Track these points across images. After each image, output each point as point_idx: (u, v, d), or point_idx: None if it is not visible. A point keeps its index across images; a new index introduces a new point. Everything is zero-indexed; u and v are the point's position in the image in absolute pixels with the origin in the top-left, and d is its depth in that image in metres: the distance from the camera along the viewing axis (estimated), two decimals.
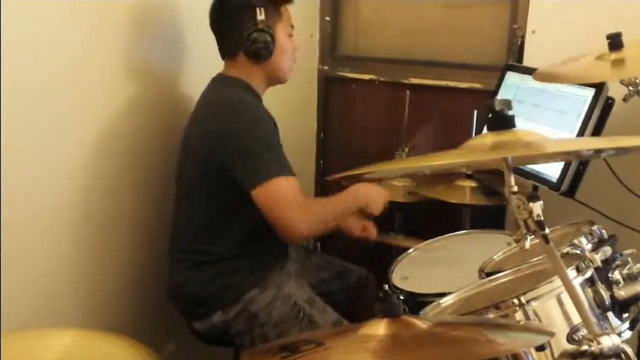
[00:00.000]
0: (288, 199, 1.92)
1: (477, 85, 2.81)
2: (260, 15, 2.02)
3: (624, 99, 1.91)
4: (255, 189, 1.91)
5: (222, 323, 2.04)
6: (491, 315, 1.33)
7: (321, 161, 3.26)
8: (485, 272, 1.70)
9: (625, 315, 1.39)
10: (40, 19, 1.82)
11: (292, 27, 2.16)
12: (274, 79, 2.16)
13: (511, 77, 2.43)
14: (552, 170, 2.08)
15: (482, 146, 1.17)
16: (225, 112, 2.00)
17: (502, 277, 1.60)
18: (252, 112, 2.01)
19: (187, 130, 2.13)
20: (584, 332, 1.25)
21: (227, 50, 2.13)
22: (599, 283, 1.37)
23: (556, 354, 1.25)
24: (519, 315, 1.32)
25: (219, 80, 2.13)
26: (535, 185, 2.16)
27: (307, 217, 1.95)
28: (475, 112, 2.39)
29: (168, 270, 2.16)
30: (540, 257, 1.54)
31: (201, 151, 2.03)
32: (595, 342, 1.11)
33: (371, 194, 2.12)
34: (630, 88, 1.89)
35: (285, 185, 1.93)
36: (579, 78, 1.95)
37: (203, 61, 2.38)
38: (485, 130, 1.22)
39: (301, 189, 1.97)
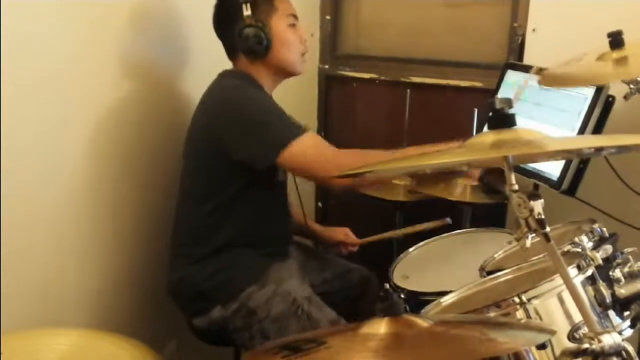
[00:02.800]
0: (320, 148, 1.98)
1: (478, 84, 2.81)
2: (247, 11, 2.02)
3: (625, 97, 1.91)
4: (281, 154, 1.92)
5: (221, 319, 2.04)
6: (492, 314, 1.33)
7: None
8: (486, 271, 1.70)
9: (626, 313, 1.38)
10: (40, 16, 1.82)
11: (295, 17, 2.13)
12: (283, 73, 2.15)
13: (512, 76, 2.42)
14: (552, 169, 2.08)
15: (482, 145, 1.17)
16: (223, 98, 2.01)
17: (503, 276, 1.60)
18: (250, 91, 2.01)
19: (191, 124, 2.13)
20: (585, 330, 1.25)
21: (229, 53, 2.14)
22: (600, 281, 1.37)
23: (557, 353, 1.25)
24: (520, 314, 1.32)
25: (224, 74, 2.14)
26: (536, 184, 2.16)
27: (344, 162, 1.90)
28: (476, 110, 2.39)
29: (169, 265, 2.17)
30: (541, 256, 1.54)
31: (203, 142, 2.04)
32: (596, 340, 1.11)
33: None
34: (631, 86, 1.88)
35: (307, 140, 1.95)
36: (583, 81, 1.94)
37: (205, 59, 2.39)
38: (485, 128, 1.23)
39: (321, 139, 2.02)
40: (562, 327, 1.31)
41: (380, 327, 1.12)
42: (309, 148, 1.95)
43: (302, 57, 2.15)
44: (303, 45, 2.15)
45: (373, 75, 3.08)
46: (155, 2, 2.25)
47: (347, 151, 2.03)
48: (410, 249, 2.16)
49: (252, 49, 2.04)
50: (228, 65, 2.16)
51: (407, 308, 1.18)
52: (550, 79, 1.95)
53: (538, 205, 1.11)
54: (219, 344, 2.16)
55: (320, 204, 3.25)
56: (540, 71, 1.92)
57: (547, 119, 2.18)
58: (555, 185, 2.06)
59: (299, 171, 1.99)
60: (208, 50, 2.20)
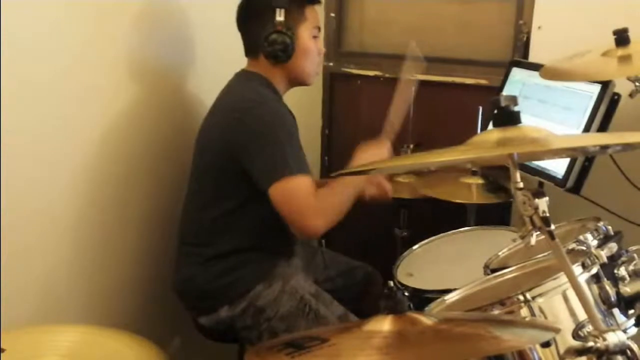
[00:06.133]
0: (303, 197, 1.91)
1: (483, 82, 2.80)
2: (280, 17, 2.01)
3: (630, 95, 1.90)
4: (272, 186, 1.90)
5: (229, 318, 2.04)
6: (496, 312, 1.33)
7: (326, 157, 3.26)
8: (491, 269, 1.70)
9: (631, 311, 1.38)
10: (45, 14, 1.81)
11: (319, 29, 2.14)
12: (296, 81, 2.15)
13: (517, 73, 2.42)
14: (557, 167, 2.08)
15: (487, 142, 1.17)
16: (244, 107, 1.99)
17: (508, 274, 1.60)
18: (272, 107, 2.00)
19: (205, 123, 2.13)
20: (589, 328, 1.25)
21: (249, 50, 2.13)
22: (605, 279, 1.36)
23: (562, 351, 1.25)
24: (524, 312, 1.32)
25: (241, 75, 2.13)
26: (541, 182, 2.16)
27: (322, 214, 1.94)
28: (481, 108, 2.38)
29: (175, 264, 2.17)
30: (545, 254, 1.54)
31: (216, 144, 2.03)
32: (600, 338, 1.11)
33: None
34: (637, 84, 1.88)
35: (302, 184, 1.92)
36: (586, 75, 1.94)
37: (215, 60, 2.39)
38: (490, 126, 1.22)
39: (314, 188, 1.96)
40: (567, 325, 1.30)
41: (384, 324, 1.12)
42: (302, 191, 1.92)
43: (317, 68, 2.17)
44: (319, 58, 2.16)
45: (377, 73, 3.07)
46: (164, 2, 2.25)
47: (325, 204, 1.97)
48: (415, 247, 2.16)
49: (276, 55, 2.04)
50: (238, 66, 2.15)
51: (411, 306, 1.18)
52: (552, 73, 1.95)
53: (543, 203, 1.11)
54: (225, 341, 2.16)
55: None
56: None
57: (552, 117, 2.17)
58: (560, 183, 2.06)
59: (284, 207, 1.91)
60: (217, 51, 2.20)
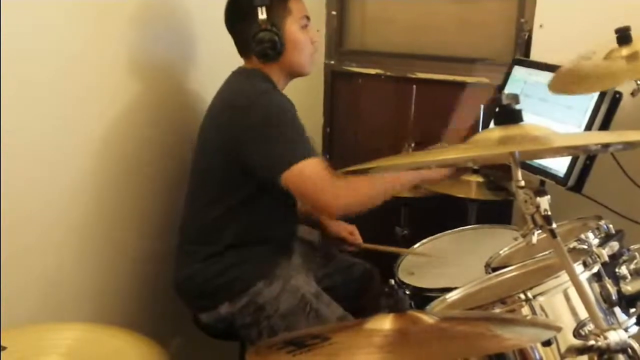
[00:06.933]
0: (317, 176, 1.90)
1: (484, 80, 2.80)
2: (262, 15, 2.01)
3: (632, 94, 1.89)
4: (284, 174, 1.89)
5: (229, 314, 2.04)
6: (497, 310, 1.33)
7: (327, 156, 3.26)
8: (492, 267, 1.70)
9: (632, 310, 1.38)
10: (45, 14, 1.81)
11: (308, 18, 2.13)
12: (293, 74, 2.16)
13: (518, 72, 2.41)
14: (559, 165, 2.07)
15: (489, 141, 1.16)
16: (243, 104, 1.99)
17: (509, 272, 1.60)
18: (270, 99, 1.99)
19: (204, 121, 2.13)
20: (590, 327, 1.25)
21: (241, 51, 2.13)
22: (606, 278, 1.36)
23: (563, 349, 1.24)
24: (525, 310, 1.32)
25: (238, 72, 2.13)
26: (543, 180, 2.15)
27: (341, 190, 1.92)
28: (482, 106, 2.38)
29: (175, 262, 2.17)
30: (547, 252, 1.54)
31: (216, 142, 2.03)
32: (602, 337, 1.11)
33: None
34: (639, 82, 1.87)
35: (312, 165, 1.91)
36: (598, 87, 1.92)
37: (214, 57, 2.38)
38: (492, 124, 1.22)
39: (326, 167, 1.95)
40: (568, 324, 1.30)
41: (385, 323, 1.12)
42: (314, 173, 1.91)
43: (311, 58, 2.16)
44: (313, 46, 2.15)
45: (379, 71, 3.07)
46: (164, 0, 2.25)
47: (346, 182, 1.96)
48: (416, 246, 2.16)
49: (265, 53, 2.04)
50: (237, 63, 2.15)
51: (412, 304, 1.18)
52: (561, 85, 1.91)
53: (544, 202, 1.10)
54: (226, 339, 2.16)
55: None
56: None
57: (553, 115, 2.17)
58: (561, 181, 2.05)
59: (302, 191, 1.93)
60: (216, 48, 2.19)
